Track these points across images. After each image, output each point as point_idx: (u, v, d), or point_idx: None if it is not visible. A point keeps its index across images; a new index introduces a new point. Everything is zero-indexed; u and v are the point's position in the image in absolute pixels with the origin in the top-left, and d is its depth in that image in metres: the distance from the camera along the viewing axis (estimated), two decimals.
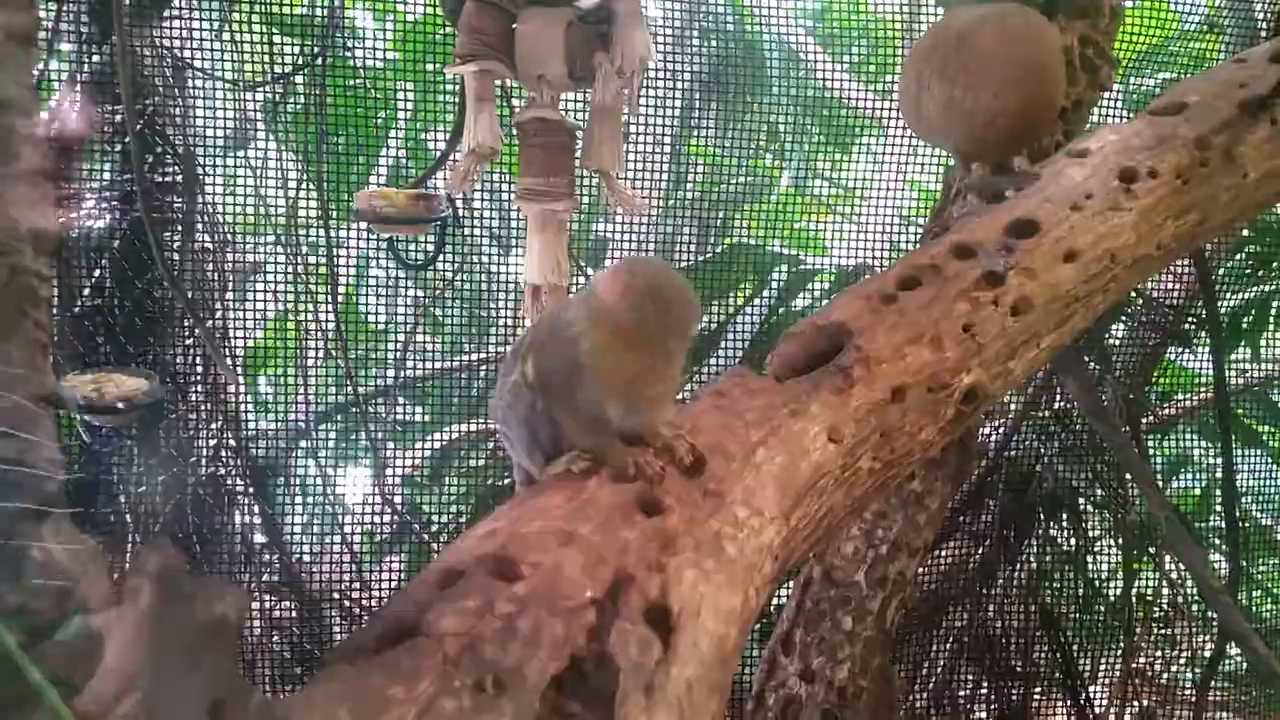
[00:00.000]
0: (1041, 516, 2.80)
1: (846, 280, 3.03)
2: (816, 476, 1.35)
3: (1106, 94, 2.47)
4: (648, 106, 4.74)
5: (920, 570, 2.49)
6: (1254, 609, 3.79)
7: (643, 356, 1.22)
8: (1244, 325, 4.32)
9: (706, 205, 4.95)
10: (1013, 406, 2.78)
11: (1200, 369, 4.02)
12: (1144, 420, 2.89)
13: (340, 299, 3.28)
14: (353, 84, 3.42)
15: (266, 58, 2.95)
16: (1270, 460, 3.94)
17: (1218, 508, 3.62)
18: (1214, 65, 3.22)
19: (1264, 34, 2.79)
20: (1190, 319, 2.92)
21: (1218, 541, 3.69)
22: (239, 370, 2.80)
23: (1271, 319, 4.24)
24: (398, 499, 3.24)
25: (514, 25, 1.52)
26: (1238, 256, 3.89)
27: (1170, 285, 2.98)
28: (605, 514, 1.14)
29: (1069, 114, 2.36)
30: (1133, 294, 2.85)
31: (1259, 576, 3.93)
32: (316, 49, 2.88)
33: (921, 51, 2.16)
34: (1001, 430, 2.79)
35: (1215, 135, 1.84)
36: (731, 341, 3.03)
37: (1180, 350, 3.13)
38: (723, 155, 5.04)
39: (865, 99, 4.26)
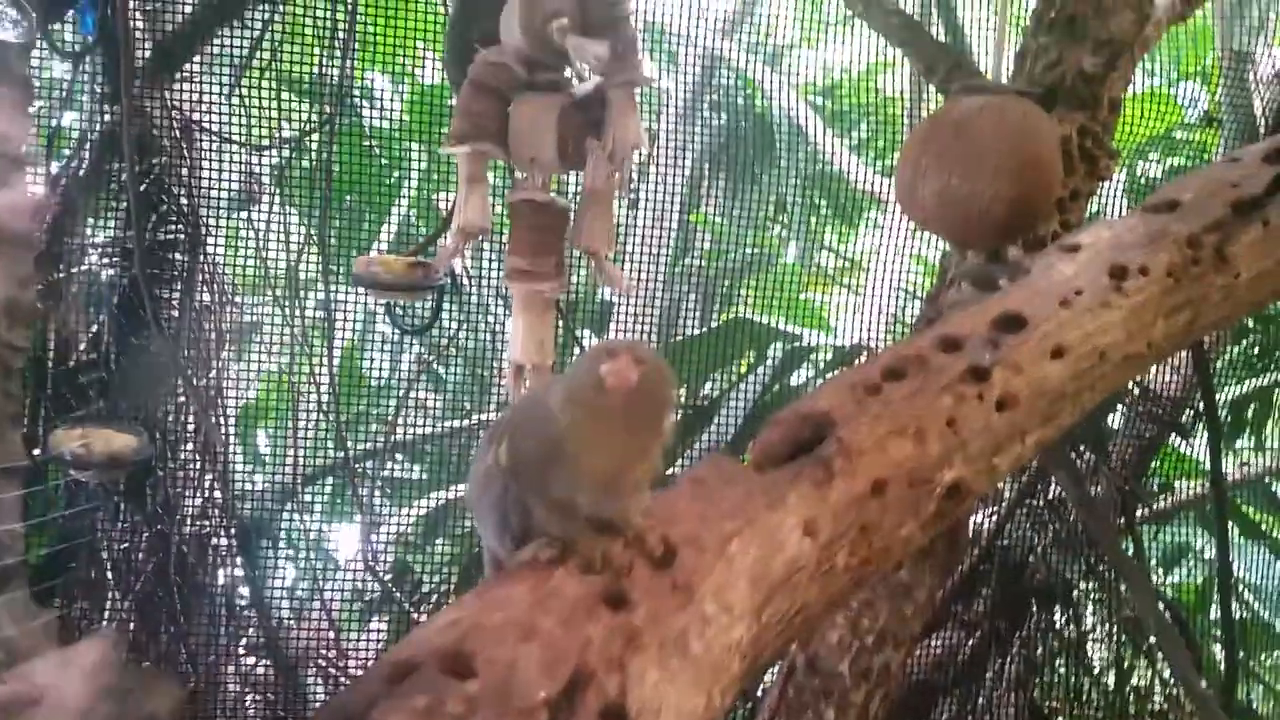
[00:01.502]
0: (1034, 607, 2.76)
1: (844, 360, 3.03)
2: (790, 572, 1.32)
3: (1106, 183, 2.48)
4: (656, 176, 4.81)
5: (909, 660, 2.44)
6: (1253, 704, 3.71)
7: (619, 443, 1.20)
8: (1246, 416, 4.30)
9: (711, 275, 4.98)
10: (1006, 493, 2.75)
11: (1200, 458, 3.99)
12: (1140, 512, 2.85)
13: (339, 357, 3.29)
14: (363, 145, 3.47)
15: (277, 119, 3.00)
16: (1271, 553, 3.89)
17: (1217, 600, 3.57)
18: (1215, 156, 3.26)
19: (1262, 129, 2.82)
20: (1189, 411, 2.90)
21: (1217, 634, 3.63)
22: (231, 428, 2.80)
23: (1274, 410, 4.22)
24: (386, 561, 3.21)
25: (509, 108, 1.55)
26: (1239, 346, 3.89)
27: (1169, 377, 2.97)
28: (569, 607, 1.12)
29: (1067, 204, 2.38)
30: (1131, 385, 2.84)
31: (1259, 671, 3.85)
32: (327, 112, 2.92)
33: (919, 138, 2.18)
34: (995, 518, 2.76)
35: (1208, 234, 1.84)
36: (727, 416, 3.02)
37: (1179, 441, 3.10)
38: (729, 226, 5.09)
39: (869, 176, 4.30)
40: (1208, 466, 4.04)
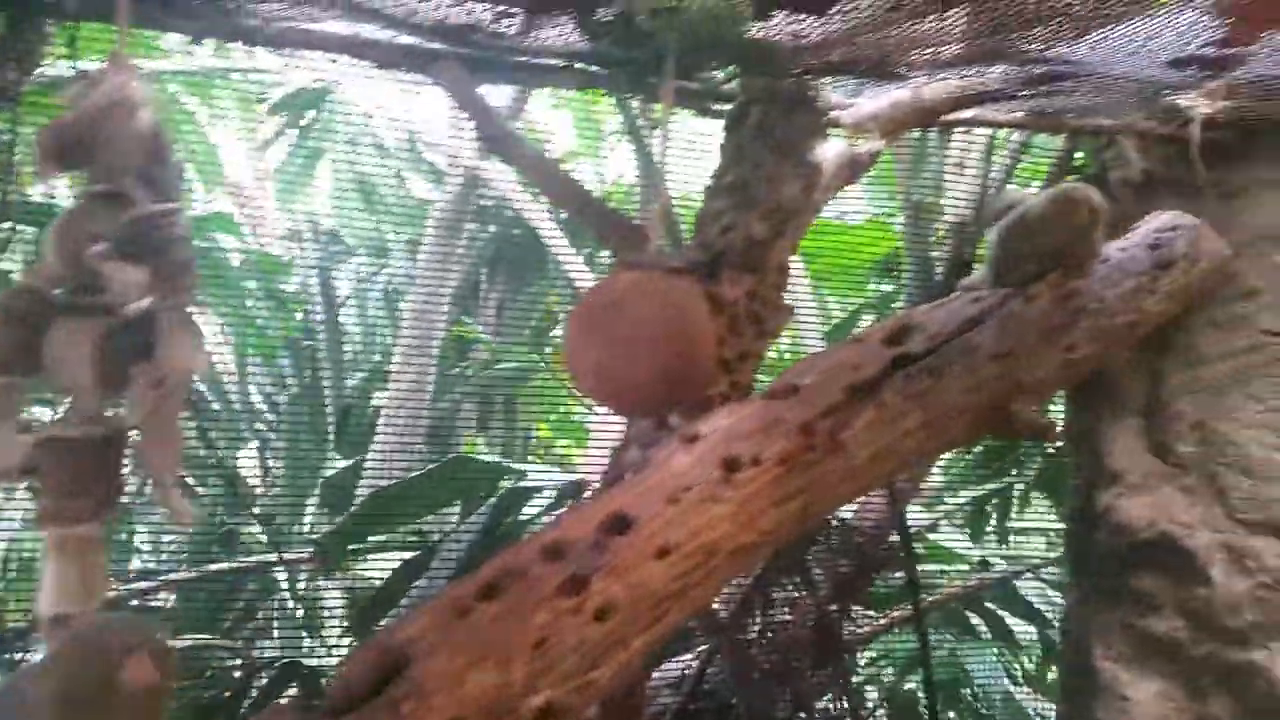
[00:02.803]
0: None
1: (567, 498, 3.04)
2: None
3: (777, 340, 2.60)
4: (422, 285, 4.76)
5: None
6: None
7: None
8: (987, 510, 4.56)
9: (484, 384, 4.94)
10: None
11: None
12: (846, 633, 2.96)
13: None
14: None
15: None
16: (1001, 655, 4.11)
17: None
18: (898, 304, 3.49)
19: (939, 276, 3.03)
20: (886, 545, 3.05)
21: None
22: None
23: (1014, 507, 4.49)
24: None
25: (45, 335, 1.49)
26: (979, 449, 4.12)
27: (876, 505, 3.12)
28: None
29: (735, 366, 2.46)
30: (831, 520, 2.96)
31: None
32: None
33: (578, 313, 2.23)
34: (696, 661, 2.81)
35: (822, 420, 1.93)
36: (447, 559, 2.98)
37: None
38: (501, 335, 5.09)
39: None
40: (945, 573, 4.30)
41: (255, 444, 4.56)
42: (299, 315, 4.57)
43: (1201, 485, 2.71)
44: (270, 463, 4.51)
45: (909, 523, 4.01)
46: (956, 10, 2.01)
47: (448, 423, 4.39)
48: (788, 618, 2.78)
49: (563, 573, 1.61)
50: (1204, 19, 2.06)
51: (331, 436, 4.53)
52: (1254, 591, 2.57)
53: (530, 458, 4.84)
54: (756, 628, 2.80)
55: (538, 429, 4.84)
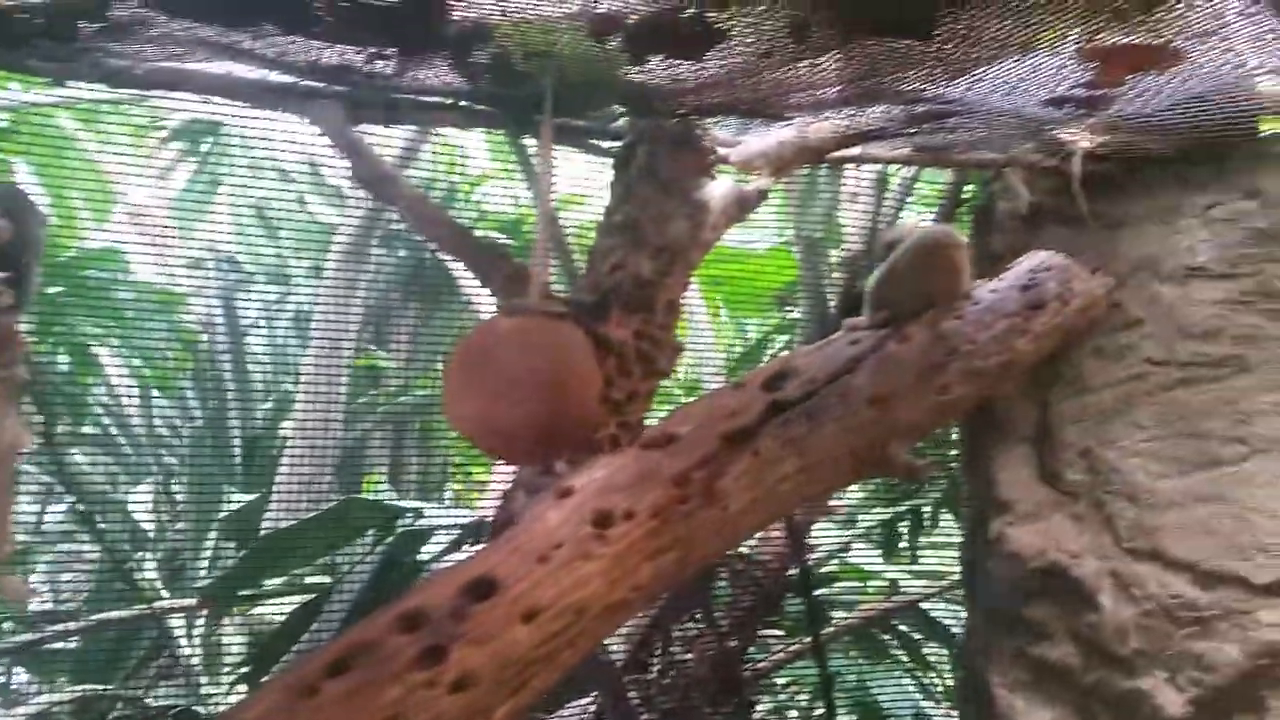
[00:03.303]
0: None
1: (469, 537, 2.99)
2: None
3: (668, 379, 2.58)
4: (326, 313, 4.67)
5: None
6: None
7: None
8: (899, 531, 4.60)
9: (394, 413, 4.86)
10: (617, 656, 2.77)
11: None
12: (751, 666, 2.95)
13: None
14: None
15: None
16: (914, 675, 4.14)
17: None
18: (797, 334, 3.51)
19: (833, 309, 3.04)
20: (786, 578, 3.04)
21: None
22: None
23: (925, 526, 4.53)
24: None
25: None
26: None
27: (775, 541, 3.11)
28: None
29: (624, 406, 2.44)
30: (731, 554, 2.95)
31: None
32: None
33: (455, 359, 2.18)
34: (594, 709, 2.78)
35: (696, 470, 1.91)
36: (340, 601, 2.90)
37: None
38: (410, 363, 5.00)
39: None
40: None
41: (160, 478, 4.43)
42: (202, 345, 4.45)
43: (1090, 513, 2.75)
44: (174, 497, 4.38)
45: (824, 544, 4.05)
46: (828, 57, 2.01)
47: (357, 454, 4.30)
48: (688, 656, 2.75)
49: (419, 643, 1.56)
50: (1070, 63, 2.09)
51: (239, 468, 4.43)
52: (1140, 619, 2.61)
53: (449, 486, 4.78)
54: (657, 667, 2.78)
55: (451, 458, 4.77)
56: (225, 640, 3.56)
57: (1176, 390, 2.66)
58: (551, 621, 1.67)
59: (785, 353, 2.29)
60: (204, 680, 3.52)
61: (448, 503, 3.91)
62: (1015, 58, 2.07)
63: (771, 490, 1.99)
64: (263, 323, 4.63)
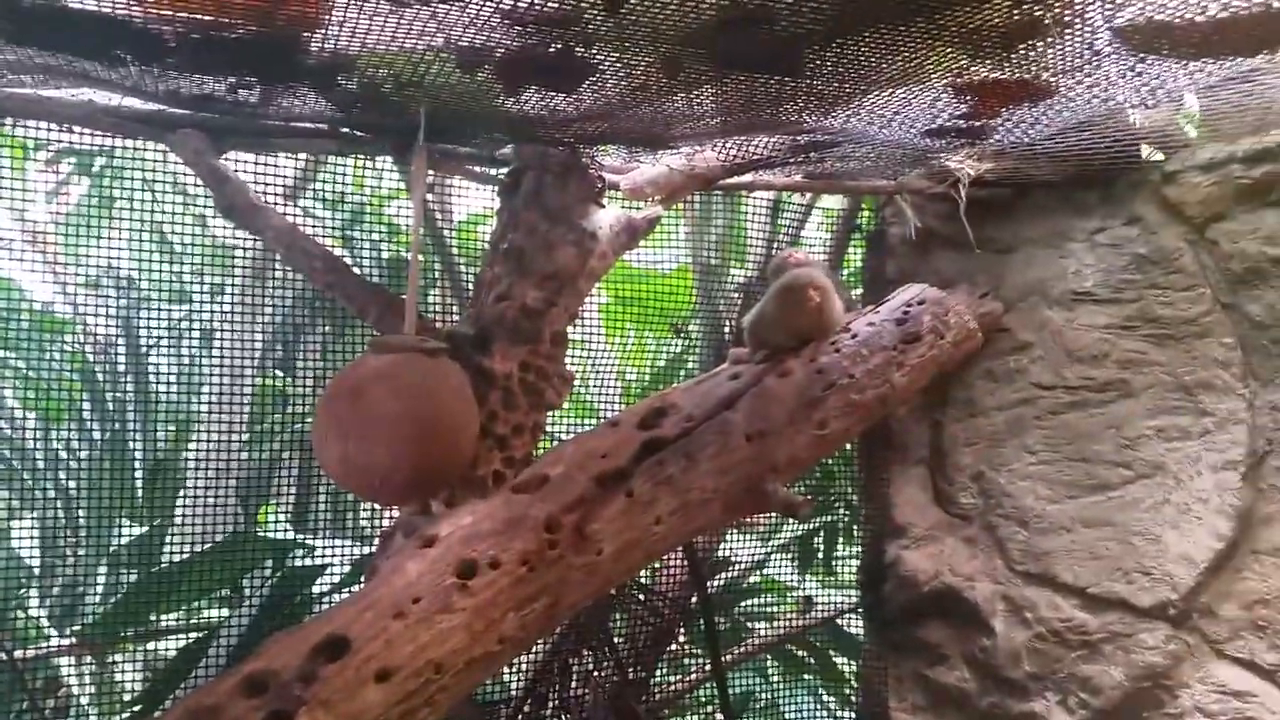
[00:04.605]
0: None
1: (361, 575, 2.90)
2: None
3: (556, 410, 2.53)
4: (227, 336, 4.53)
5: None
6: None
7: None
8: (815, 546, 4.61)
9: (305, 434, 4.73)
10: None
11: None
12: (645, 702, 2.91)
13: None
14: None
15: None
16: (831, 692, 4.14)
17: None
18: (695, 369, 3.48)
19: (728, 338, 3.02)
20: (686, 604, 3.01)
21: None
22: None
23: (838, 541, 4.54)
24: None
25: None
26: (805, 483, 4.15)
27: (675, 570, 3.08)
28: None
29: (510, 441, 2.39)
30: (629, 585, 2.92)
31: None
32: None
33: (323, 402, 2.12)
34: None
35: (567, 514, 1.87)
36: (226, 641, 2.80)
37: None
38: (310, 389, 4.88)
39: None
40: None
41: (55, 506, 4.26)
42: (100, 370, 4.28)
43: (982, 536, 2.77)
44: (71, 526, 4.22)
45: (744, 558, 4.03)
46: (701, 91, 1.99)
47: (258, 482, 4.17)
48: (584, 691, 2.71)
49: (263, 709, 1.50)
50: (945, 95, 2.09)
51: (140, 496, 4.27)
52: (1031, 642, 2.63)
53: (352, 516, 4.67)
54: (554, 702, 2.73)
55: None
56: (121, 678, 3.42)
57: (1065, 414, 2.69)
58: (407, 681, 1.62)
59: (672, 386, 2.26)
60: None
61: (348, 533, 3.80)
62: (889, 91, 2.06)
63: (646, 532, 1.96)
64: (163, 344, 4.48)
